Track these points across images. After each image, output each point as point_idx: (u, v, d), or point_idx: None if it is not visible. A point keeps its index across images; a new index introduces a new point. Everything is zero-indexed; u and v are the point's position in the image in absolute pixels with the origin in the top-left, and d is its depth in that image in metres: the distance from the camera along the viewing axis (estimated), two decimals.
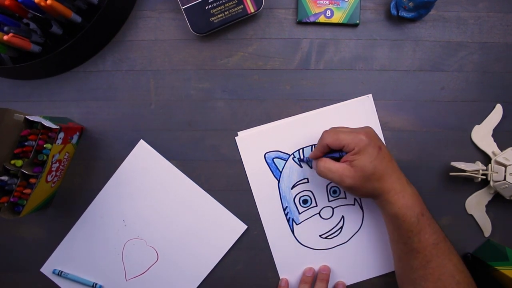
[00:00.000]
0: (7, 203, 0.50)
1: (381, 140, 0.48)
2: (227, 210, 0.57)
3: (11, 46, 0.54)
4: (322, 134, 0.49)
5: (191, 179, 0.58)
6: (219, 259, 0.57)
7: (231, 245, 0.57)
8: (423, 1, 0.51)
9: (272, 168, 0.57)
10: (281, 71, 0.58)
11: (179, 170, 0.58)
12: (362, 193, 0.47)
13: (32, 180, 0.50)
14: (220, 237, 0.57)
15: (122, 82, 0.59)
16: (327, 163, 0.48)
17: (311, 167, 0.56)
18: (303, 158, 0.56)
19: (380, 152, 0.45)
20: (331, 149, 0.49)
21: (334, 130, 0.48)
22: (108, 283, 0.58)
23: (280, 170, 0.57)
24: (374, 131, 0.48)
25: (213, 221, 0.57)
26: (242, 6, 0.55)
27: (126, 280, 0.58)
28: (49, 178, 0.53)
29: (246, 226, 0.57)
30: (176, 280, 0.58)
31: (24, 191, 0.50)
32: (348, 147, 0.45)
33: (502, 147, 0.55)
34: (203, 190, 0.58)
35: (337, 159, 0.48)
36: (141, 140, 0.58)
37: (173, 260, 0.58)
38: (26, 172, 0.49)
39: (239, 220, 0.57)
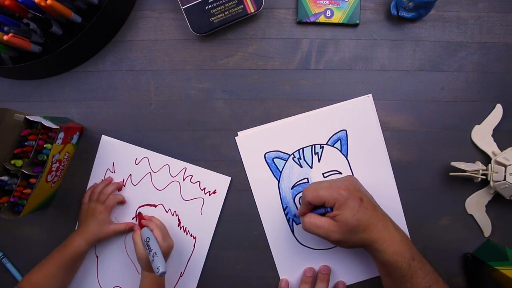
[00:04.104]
0: (7, 203, 0.50)
1: (362, 191, 0.47)
2: (206, 170, 0.57)
3: (11, 46, 0.54)
4: (303, 191, 0.48)
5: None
6: (217, 219, 0.57)
7: (223, 201, 0.57)
8: (423, 1, 0.51)
9: (272, 168, 0.57)
10: (281, 71, 0.58)
11: (151, 151, 0.58)
12: (350, 245, 0.47)
13: (32, 180, 0.50)
14: (210, 198, 0.57)
15: (122, 82, 0.59)
16: (312, 218, 0.47)
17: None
18: (294, 214, 0.56)
19: (361, 204, 0.45)
20: (315, 205, 0.48)
21: (314, 187, 0.48)
22: (124, 283, 0.58)
23: (280, 170, 0.57)
24: (355, 181, 0.48)
25: (197, 185, 0.58)
26: (242, 6, 0.55)
27: (139, 273, 0.58)
28: (49, 178, 0.53)
29: (229, 178, 0.57)
30: (186, 255, 0.58)
31: (24, 191, 0.51)
32: (329, 203, 0.46)
33: (502, 147, 0.55)
34: (178, 160, 0.58)
35: (323, 214, 0.48)
36: (103, 136, 0.58)
37: (176, 238, 0.57)
38: (26, 172, 0.49)
39: (221, 174, 0.57)
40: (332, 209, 0.46)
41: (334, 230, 0.45)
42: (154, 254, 0.48)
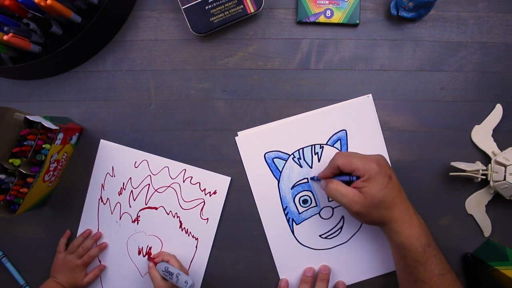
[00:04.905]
0: (3, 202, 0.50)
1: (391, 169, 0.48)
2: (206, 171, 0.57)
3: (11, 46, 0.54)
4: (335, 155, 0.49)
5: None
6: (218, 219, 0.57)
7: (224, 202, 0.57)
8: (423, 1, 0.51)
9: (272, 168, 0.57)
10: (281, 71, 0.58)
11: (150, 154, 0.58)
12: (369, 220, 0.47)
13: (29, 180, 0.50)
14: (210, 199, 0.57)
15: (122, 82, 0.59)
16: (338, 186, 0.48)
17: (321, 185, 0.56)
18: (313, 177, 0.56)
19: (390, 182, 0.45)
20: (341, 171, 0.49)
21: (347, 153, 0.49)
22: (127, 287, 0.58)
23: (280, 170, 0.57)
24: (386, 160, 0.48)
25: (197, 186, 0.58)
26: (242, 6, 0.55)
27: (142, 277, 0.58)
28: (46, 178, 0.53)
29: (229, 178, 0.57)
30: (188, 256, 0.58)
31: (20, 190, 0.51)
32: (359, 172, 0.46)
33: (502, 147, 0.55)
34: (177, 162, 0.58)
35: (346, 183, 0.48)
36: (101, 140, 0.58)
37: (178, 240, 0.58)
38: (24, 172, 0.49)
39: (221, 175, 0.57)
40: (357, 179, 0.46)
41: (358, 202, 0.45)
42: (178, 274, 0.50)
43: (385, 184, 0.45)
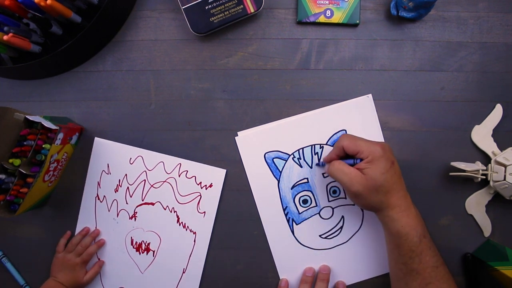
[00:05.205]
0: (3, 202, 0.50)
1: (394, 157, 0.48)
2: (201, 164, 0.57)
3: (11, 46, 0.54)
4: (340, 136, 0.50)
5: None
6: (215, 213, 0.57)
7: (220, 194, 0.57)
8: (423, 1, 0.51)
9: (272, 168, 0.57)
10: (281, 71, 0.58)
11: (144, 149, 0.58)
12: (367, 203, 0.47)
13: (29, 180, 0.50)
14: (206, 192, 0.57)
15: (122, 82, 0.59)
16: (341, 165, 0.48)
17: (324, 174, 0.56)
18: (318, 162, 0.56)
19: (392, 167, 0.46)
20: (346, 155, 0.49)
21: (352, 135, 0.49)
22: (128, 283, 0.59)
23: (280, 170, 0.57)
24: (390, 147, 0.48)
25: (192, 179, 0.58)
26: (242, 6, 0.55)
27: (142, 273, 0.58)
28: (46, 178, 0.53)
29: (225, 170, 0.57)
30: (186, 251, 0.58)
31: (20, 190, 0.51)
32: (363, 153, 0.46)
33: (502, 147, 0.55)
34: (172, 156, 0.58)
35: (352, 166, 0.49)
36: (96, 138, 0.58)
37: (176, 235, 0.58)
38: (24, 172, 0.49)
39: (216, 167, 0.57)
40: (361, 161, 0.47)
41: (359, 182, 0.46)
42: None
43: (387, 169, 0.45)
